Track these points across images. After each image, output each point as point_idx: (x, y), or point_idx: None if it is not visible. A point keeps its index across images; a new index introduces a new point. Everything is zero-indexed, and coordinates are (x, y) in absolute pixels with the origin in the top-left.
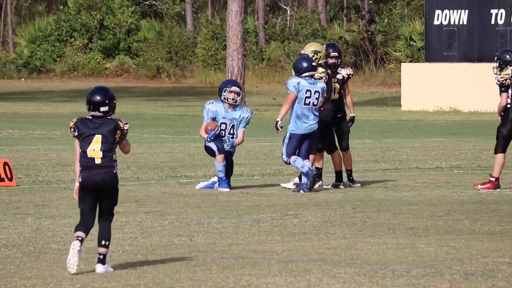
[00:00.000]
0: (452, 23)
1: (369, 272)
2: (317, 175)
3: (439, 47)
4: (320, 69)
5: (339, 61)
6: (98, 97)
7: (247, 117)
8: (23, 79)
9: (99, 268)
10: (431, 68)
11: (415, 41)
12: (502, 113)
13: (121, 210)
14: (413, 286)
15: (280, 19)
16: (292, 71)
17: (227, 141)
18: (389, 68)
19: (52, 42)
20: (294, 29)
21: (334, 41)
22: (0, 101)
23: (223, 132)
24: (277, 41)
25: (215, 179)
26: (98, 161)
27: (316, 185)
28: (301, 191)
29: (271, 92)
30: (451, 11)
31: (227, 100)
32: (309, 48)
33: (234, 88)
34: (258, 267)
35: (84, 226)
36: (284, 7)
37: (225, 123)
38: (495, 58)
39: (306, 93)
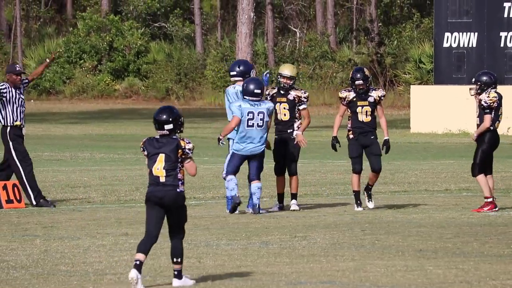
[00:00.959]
0: (461, 45)
1: None
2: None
3: (449, 69)
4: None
5: (367, 85)
6: (163, 116)
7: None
8: (32, 100)
9: (175, 282)
10: (440, 91)
11: (424, 64)
12: (479, 135)
13: (129, 232)
14: None
15: (289, 41)
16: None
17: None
18: (398, 90)
19: (61, 64)
20: (304, 51)
21: (344, 63)
22: None
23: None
24: (286, 63)
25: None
26: (162, 179)
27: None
28: (250, 210)
29: None
30: (461, 33)
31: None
32: (282, 70)
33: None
34: None
35: (145, 245)
36: (294, 29)
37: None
38: (473, 80)
39: (248, 115)
